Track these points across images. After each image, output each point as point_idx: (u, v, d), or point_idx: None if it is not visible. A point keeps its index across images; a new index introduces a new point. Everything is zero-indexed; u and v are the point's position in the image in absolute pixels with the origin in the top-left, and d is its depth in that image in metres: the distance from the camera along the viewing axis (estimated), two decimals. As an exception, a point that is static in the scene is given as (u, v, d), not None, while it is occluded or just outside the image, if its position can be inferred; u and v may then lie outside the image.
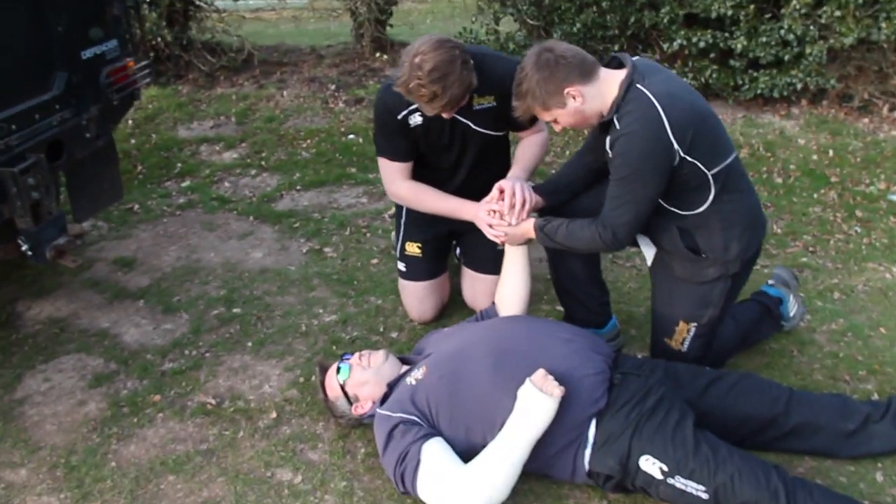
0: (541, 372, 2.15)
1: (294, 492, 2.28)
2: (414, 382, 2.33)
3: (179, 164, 4.46)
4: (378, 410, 2.33)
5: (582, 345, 2.30)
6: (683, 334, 2.53)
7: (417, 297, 2.98)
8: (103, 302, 3.23)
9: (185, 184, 4.24)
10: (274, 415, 2.58)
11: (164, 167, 4.42)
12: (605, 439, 2.13)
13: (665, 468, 2.06)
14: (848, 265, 3.34)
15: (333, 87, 5.16)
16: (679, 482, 2.05)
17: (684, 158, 2.21)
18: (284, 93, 5.19)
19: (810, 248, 3.47)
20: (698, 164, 2.23)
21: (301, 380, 2.73)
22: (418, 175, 2.79)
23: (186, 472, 2.36)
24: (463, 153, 2.73)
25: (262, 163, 4.47)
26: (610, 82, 2.27)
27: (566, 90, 2.24)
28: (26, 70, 2.72)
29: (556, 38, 4.71)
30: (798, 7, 4.23)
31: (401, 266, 2.99)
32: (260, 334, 3.00)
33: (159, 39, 4.99)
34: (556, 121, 2.36)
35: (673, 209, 2.36)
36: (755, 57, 4.44)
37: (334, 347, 2.90)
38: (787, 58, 4.41)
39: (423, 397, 2.26)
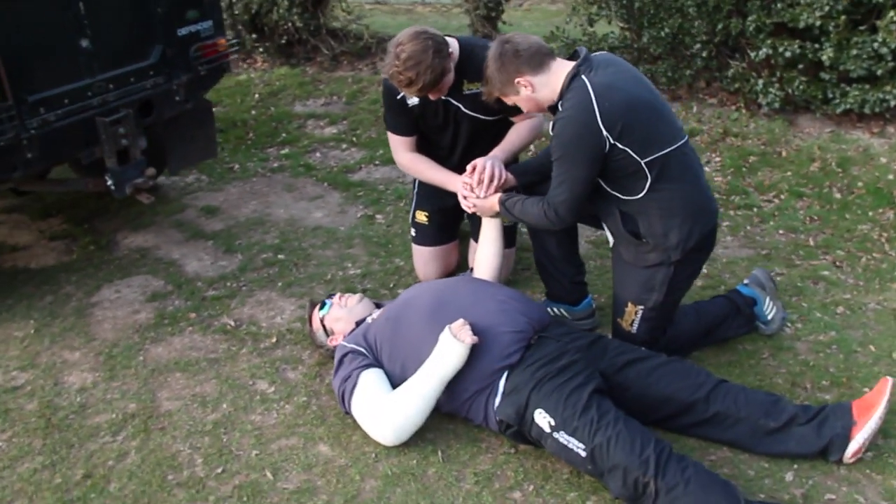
0: (460, 321, 2.43)
1: (263, 398, 2.72)
2: (370, 322, 2.70)
3: (284, 134, 5.07)
4: (340, 341, 2.72)
5: (512, 307, 2.54)
6: (632, 316, 2.69)
7: (423, 260, 3.32)
8: (181, 239, 3.87)
9: (284, 151, 4.84)
10: (274, 340, 3.04)
11: (270, 136, 5.05)
12: (511, 390, 2.38)
13: (553, 423, 2.27)
14: (871, 284, 3.25)
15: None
16: (563, 437, 2.25)
17: (615, 145, 2.39)
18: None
19: (837, 263, 3.40)
20: (629, 151, 2.40)
21: (307, 317, 3.17)
22: (424, 152, 3.13)
23: (190, 373, 2.87)
24: (457, 134, 3.03)
25: (354, 139, 4.98)
26: (559, 73, 2.49)
27: (516, 80, 2.51)
28: (129, 42, 3.37)
29: (645, 41, 4.83)
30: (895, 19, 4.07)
31: (412, 231, 3.35)
32: (291, 277, 3.48)
33: (290, 25, 5.65)
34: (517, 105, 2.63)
35: (615, 193, 2.54)
36: (846, 70, 4.31)
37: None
38: (880, 72, 4.24)
39: (373, 334, 2.62)
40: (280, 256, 3.66)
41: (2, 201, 4.27)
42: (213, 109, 4.12)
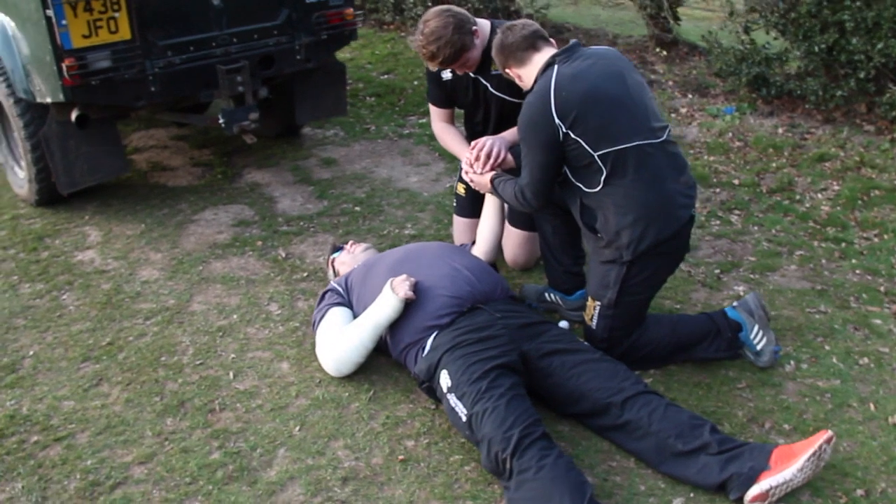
0: (402, 276, 2.65)
1: (267, 317, 3.13)
2: (356, 267, 2.99)
3: (428, 106, 5.44)
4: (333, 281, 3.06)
5: (461, 276, 2.69)
6: (591, 311, 2.70)
7: (459, 229, 3.51)
8: (291, 181, 4.41)
9: (421, 121, 5.20)
10: (305, 274, 3.44)
11: (417, 105, 5.44)
12: (432, 349, 2.56)
13: (449, 384, 2.42)
14: (924, 343, 2.88)
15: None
16: (453, 399, 2.39)
17: (567, 134, 2.43)
18: (557, 70, 5.79)
19: (898, 315, 3.04)
20: (581, 142, 2.43)
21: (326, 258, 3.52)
22: (467, 126, 3.33)
23: (227, 286, 3.37)
24: (487, 112, 3.18)
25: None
26: (539, 63, 2.57)
27: (506, 69, 2.65)
28: (258, 3, 3.92)
29: (798, 55, 4.47)
30: None
31: (454, 202, 3.55)
32: (353, 227, 3.86)
33: (468, 5, 5.95)
34: None
35: (578, 184, 2.56)
36: None
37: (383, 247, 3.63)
38: None
39: (351, 279, 2.92)
40: (357, 209, 4.05)
41: (171, 130, 5.14)
42: (384, 76, 4.57)
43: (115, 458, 2.43)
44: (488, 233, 3.03)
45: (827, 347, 2.88)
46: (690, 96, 5.10)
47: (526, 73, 2.61)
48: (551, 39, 2.70)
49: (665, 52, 5.59)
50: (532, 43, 2.62)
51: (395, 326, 2.68)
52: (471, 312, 2.60)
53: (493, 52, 2.68)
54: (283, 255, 3.62)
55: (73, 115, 3.57)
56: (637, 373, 2.69)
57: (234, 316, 3.16)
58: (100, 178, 3.90)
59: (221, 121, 3.95)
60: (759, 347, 2.73)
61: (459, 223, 3.52)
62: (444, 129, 3.32)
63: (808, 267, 3.40)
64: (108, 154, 3.83)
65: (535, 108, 2.48)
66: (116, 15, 3.41)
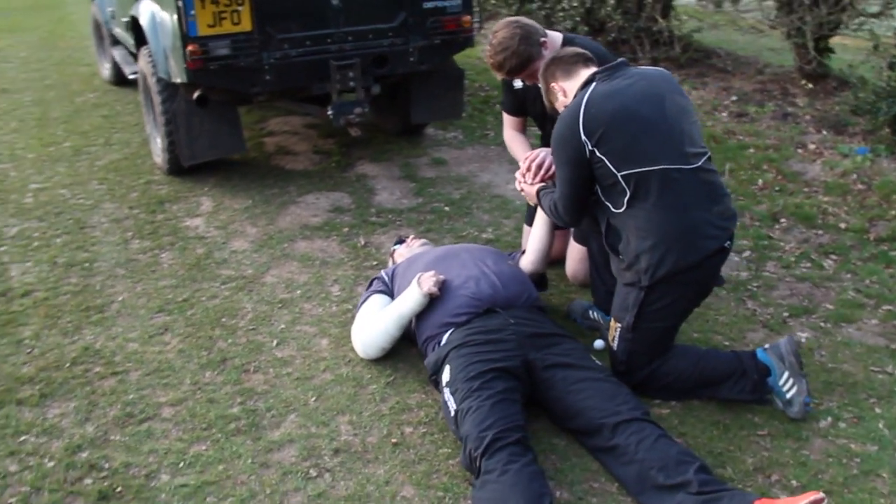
0: (430, 272, 2.76)
1: (326, 296, 3.35)
2: (403, 260, 3.14)
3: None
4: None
5: (488, 279, 2.76)
6: (614, 332, 2.67)
7: (526, 238, 3.54)
8: (397, 176, 4.63)
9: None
10: (375, 263, 3.63)
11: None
12: (445, 344, 2.65)
13: (447, 379, 2.51)
14: None
15: (735, 97, 5.33)
16: (447, 394, 2.48)
17: (593, 152, 2.43)
18: (695, 93, 5.59)
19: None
20: (606, 160, 2.42)
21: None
22: (545, 138, 3.37)
23: (302, 264, 3.62)
24: (553, 123, 3.19)
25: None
26: (584, 78, 2.57)
27: (551, 84, 2.68)
28: (376, 6, 4.17)
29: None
30: None
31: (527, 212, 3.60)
32: (436, 225, 4.00)
33: (613, 23, 5.89)
34: None
35: (606, 203, 2.55)
36: None
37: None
38: None
39: (396, 270, 3.07)
40: (446, 208, 4.20)
41: (306, 119, 5.53)
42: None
43: (152, 396, 2.73)
44: (536, 243, 3.07)
45: (878, 410, 2.64)
46: (825, 133, 4.77)
47: (570, 87, 2.62)
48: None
49: (811, 85, 5.25)
50: (583, 58, 2.64)
51: (420, 319, 2.79)
52: (487, 315, 2.66)
53: (543, 65, 2.72)
54: (363, 242, 3.84)
55: (195, 95, 3.99)
56: (656, 401, 2.66)
57: (298, 291, 3.41)
58: (218, 154, 4.33)
59: (330, 113, 4.24)
60: (788, 396, 2.56)
61: (527, 232, 3.56)
62: (513, 137, 3.38)
63: (892, 324, 3.11)
64: (227, 133, 4.24)
65: (564, 123, 2.50)
66: (240, 8, 3.78)
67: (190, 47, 3.72)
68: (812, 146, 4.62)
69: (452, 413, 2.42)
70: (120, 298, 3.35)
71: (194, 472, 2.39)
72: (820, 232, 3.82)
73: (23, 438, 2.54)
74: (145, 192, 4.39)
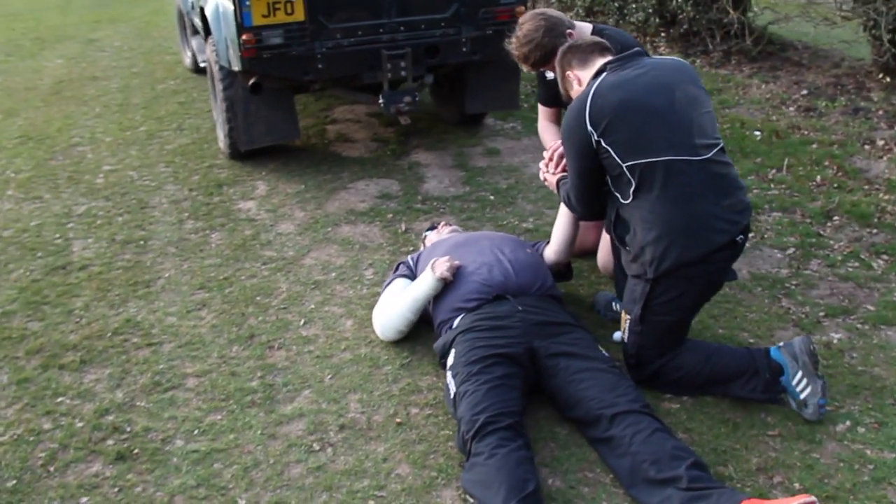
0: (445, 257, 2.82)
1: (358, 279, 3.45)
2: (429, 245, 3.19)
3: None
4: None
5: (502, 266, 2.79)
6: (624, 323, 2.65)
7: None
8: (448, 164, 4.68)
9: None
10: (412, 248, 3.69)
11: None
12: (454, 328, 2.69)
13: (451, 363, 2.56)
14: None
15: (805, 91, 5.09)
16: (449, 376, 2.53)
17: (599, 142, 2.41)
18: (764, 86, 5.38)
19: None
20: (611, 151, 2.39)
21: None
22: None
23: (342, 248, 3.73)
24: None
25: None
26: (597, 67, 2.55)
27: (567, 73, 2.67)
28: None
29: None
30: None
31: (561, 204, 3.59)
32: (478, 213, 4.04)
33: (683, 15, 5.73)
34: None
35: (615, 193, 2.52)
36: None
37: (468, 229, 3.76)
38: None
39: (421, 255, 3.13)
40: (491, 198, 4.22)
41: (372, 108, 5.64)
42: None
43: (181, 367, 2.89)
44: (559, 233, 3.06)
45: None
46: (897, 129, 4.52)
47: (585, 76, 2.60)
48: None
49: (888, 79, 4.96)
50: (600, 47, 2.62)
51: (435, 303, 2.85)
52: (496, 301, 2.69)
53: (560, 53, 2.70)
54: (403, 229, 3.91)
55: (249, 83, 4.15)
56: (667, 396, 2.63)
57: (333, 274, 3.52)
58: (273, 140, 4.49)
59: (381, 101, 4.33)
60: (802, 397, 2.47)
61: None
62: (545, 129, 3.38)
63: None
64: (282, 120, 4.39)
65: (572, 113, 2.49)
66: (293, -1, 3.92)
67: (244, 36, 3.87)
68: (881, 143, 4.38)
69: (452, 395, 2.46)
70: (167, 275, 3.54)
71: (206, 440, 2.53)
72: (874, 231, 3.63)
73: (59, 400, 2.75)
74: (206, 175, 4.61)
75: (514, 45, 3.00)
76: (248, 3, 3.84)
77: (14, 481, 2.39)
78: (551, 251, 3.06)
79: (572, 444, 2.46)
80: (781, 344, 2.55)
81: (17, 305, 3.32)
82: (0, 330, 3.15)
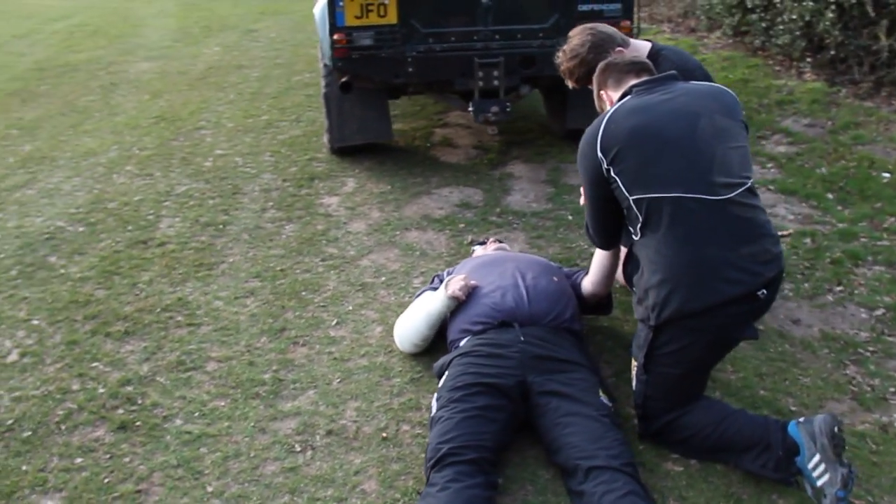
0: (460, 277, 2.74)
1: (407, 287, 3.43)
2: (465, 261, 3.12)
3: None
4: (451, 270, 3.23)
5: (517, 292, 2.68)
6: (634, 369, 2.44)
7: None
8: (540, 179, 4.56)
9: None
10: (435, 266, 3.62)
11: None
12: (458, 350, 2.61)
13: (440, 385, 2.49)
14: None
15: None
16: (434, 398, 2.47)
17: (609, 170, 2.24)
18: None
19: None
20: (619, 181, 2.21)
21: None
22: None
23: (401, 251, 3.73)
24: None
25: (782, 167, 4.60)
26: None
27: (600, 92, 2.51)
28: (529, 6, 4.11)
29: None
30: None
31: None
32: (549, 233, 3.89)
33: (829, 39, 5.15)
34: None
35: (629, 228, 2.33)
36: None
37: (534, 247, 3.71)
38: None
39: (454, 270, 3.06)
40: (569, 217, 4.06)
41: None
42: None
43: (208, 350, 3.01)
44: (596, 264, 2.87)
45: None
46: None
47: (615, 97, 2.43)
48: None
49: None
50: (637, 68, 2.43)
51: (450, 321, 2.78)
52: (501, 327, 2.58)
53: (598, 69, 2.53)
54: (469, 240, 3.84)
55: (340, 81, 4.24)
56: (674, 456, 2.39)
57: (383, 278, 3.52)
58: (364, 139, 4.57)
59: (470, 109, 4.27)
60: (819, 484, 2.15)
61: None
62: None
63: None
64: (375, 120, 4.46)
65: (585, 138, 2.33)
66: (387, 2, 3.95)
67: (336, 36, 3.97)
68: None
69: (431, 417, 2.39)
70: (231, 260, 3.70)
71: (202, 423, 2.62)
72: None
73: (94, 364, 2.95)
74: (304, 168, 4.77)
75: (560, 59, 2.85)
76: (341, 3, 3.92)
77: (29, 433, 2.60)
78: (588, 282, 2.89)
79: (549, 492, 2.31)
80: (801, 419, 2.24)
81: (94, 272, 3.61)
82: (72, 293, 3.43)
